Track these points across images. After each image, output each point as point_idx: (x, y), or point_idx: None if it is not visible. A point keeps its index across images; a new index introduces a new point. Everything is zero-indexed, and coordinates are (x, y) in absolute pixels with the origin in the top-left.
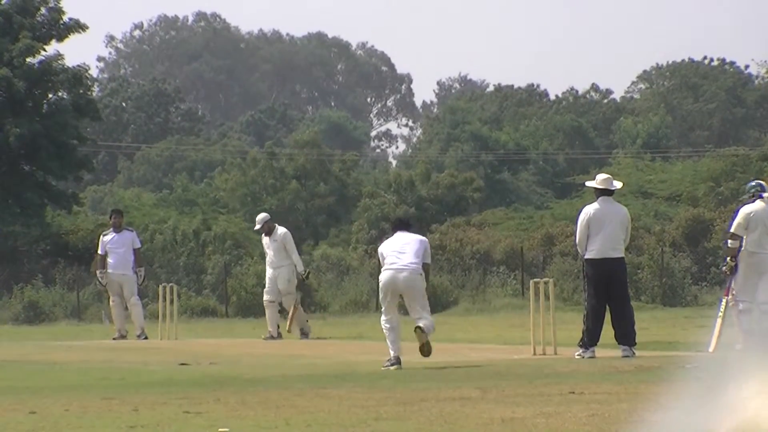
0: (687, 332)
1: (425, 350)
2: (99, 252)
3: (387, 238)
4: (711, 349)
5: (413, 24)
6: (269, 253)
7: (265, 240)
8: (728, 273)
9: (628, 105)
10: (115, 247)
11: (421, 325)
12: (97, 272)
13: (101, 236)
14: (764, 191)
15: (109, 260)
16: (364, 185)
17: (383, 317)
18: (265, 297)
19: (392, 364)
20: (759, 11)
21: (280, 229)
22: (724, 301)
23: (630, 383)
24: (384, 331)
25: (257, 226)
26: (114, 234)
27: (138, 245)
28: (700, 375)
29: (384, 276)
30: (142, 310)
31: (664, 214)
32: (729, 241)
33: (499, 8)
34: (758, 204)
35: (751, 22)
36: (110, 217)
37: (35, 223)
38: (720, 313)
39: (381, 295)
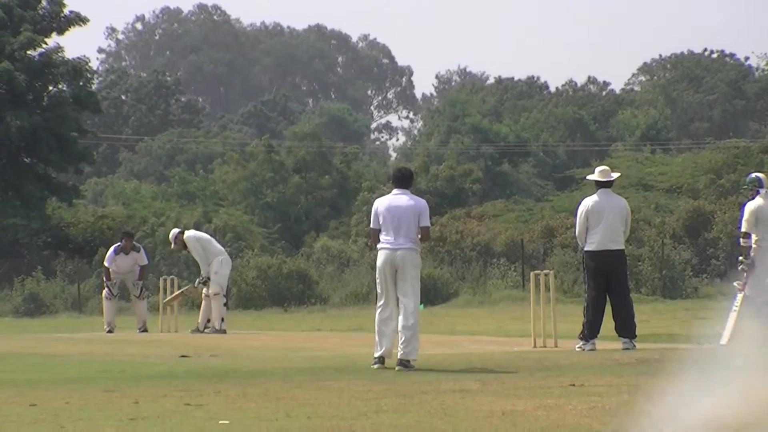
0: (687, 324)
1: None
2: (105, 263)
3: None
4: (724, 342)
5: (414, 16)
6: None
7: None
8: (746, 270)
9: (628, 97)
10: (120, 267)
11: (400, 366)
12: (107, 283)
13: (111, 249)
14: (762, 186)
15: (114, 270)
16: (365, 178)
17: (379, 307)
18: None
19: (375, 363)
20: (758, 3)
21: (188, 239)
22: (739, 296)
23: (630, 375)
24: (376, 323)
25: (171, 245)
26: (122, 254)
27: (144, 262)
28: (705, 366)
29: (381, 255)
30: (146, 303)
31: (664, 207)
32: (741, 239)
33: (500, 0)
34: (760, 200)
35: (750, 15)
36: (121, 239)
37: (36, 215)
38: (735, 308)
39: (378, 278)
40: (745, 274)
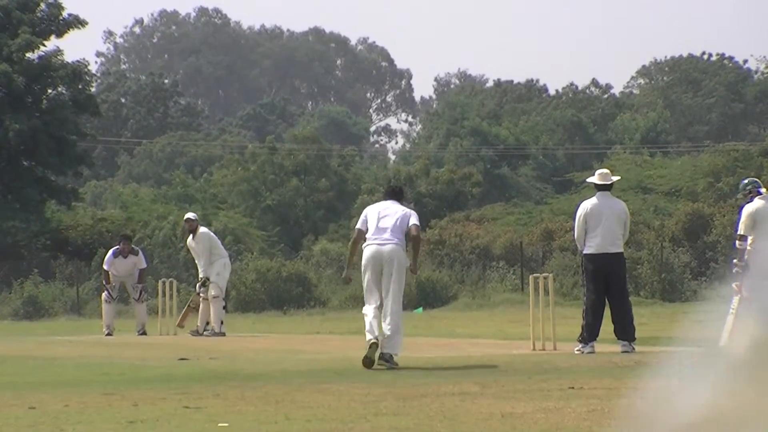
0: (686, 327)
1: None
2: (104, 266)
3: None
4: (723, 344)
5: (413, 19)
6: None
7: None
8: (741, 273)
9: (627, 100)
10: (119, 270)
11: (383, 363)
12: (106, 286)
13: (110, 252)
14: (760, 187)
15: (114, 273)
16: (364, 180)
17: (366, 305)
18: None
19: (371, 345)
20: (758, 6)
21: (203, 233)
22: (736, 298)
23: (629, 378)
24: (365, 319)
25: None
26: (121, 257)
27: (143, 266)
28: (703, 369)
29: (367, 251)
30: (145, 307)
31: (663, 210)
32: (737, 242)
33: (499, 3)
34: (759, 202)
35: (749, 17)
36: (119, 242)
37: (35, 218)
38: (732, 310)
39: (363, 271)
40: (740, 277)
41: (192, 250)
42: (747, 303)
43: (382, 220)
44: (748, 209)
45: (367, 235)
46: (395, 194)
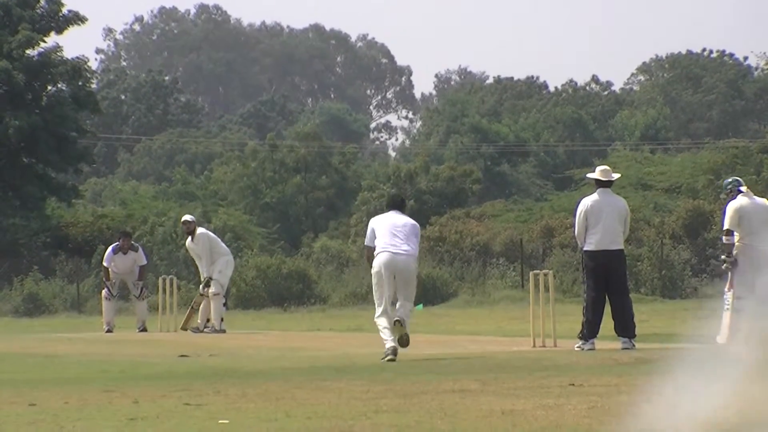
0: (686, 324)
1: (403, 341)
2: (104, 263)
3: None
4: (723, 341)
5: (413, 16)
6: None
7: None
8: (729, 268)
9: (627, 97)
10: (119, 267)
11: (399, 318)
12: (106, 283)
13: (109, 248)
14: (741, 186)
15: (114, 270)
16: (364, 178)
17: (378, 312)
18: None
19: (388, 356)
20: (758, 3)
21: (201, 235)
22: (729, 294)
23: (630, 375)
24: (378, 325)
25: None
26: (120, 253)
27: (143, 262)
28: (703, 366)
29: (381, 258)
30: (146, 304)
31: (663, 206)
32: (724, 237)
33: (500, 0)
34: (743, 199)
35: (749, 14)
36: (118, 239)
37: (35, 215)
38: (727, 307)
39: (375, 281)
40: (729, 273)
41: (191, 251)
42: (741, 299)
43: (394, 228)
44: (733, 205)
45: (376, 242)
46: (399, 205)
